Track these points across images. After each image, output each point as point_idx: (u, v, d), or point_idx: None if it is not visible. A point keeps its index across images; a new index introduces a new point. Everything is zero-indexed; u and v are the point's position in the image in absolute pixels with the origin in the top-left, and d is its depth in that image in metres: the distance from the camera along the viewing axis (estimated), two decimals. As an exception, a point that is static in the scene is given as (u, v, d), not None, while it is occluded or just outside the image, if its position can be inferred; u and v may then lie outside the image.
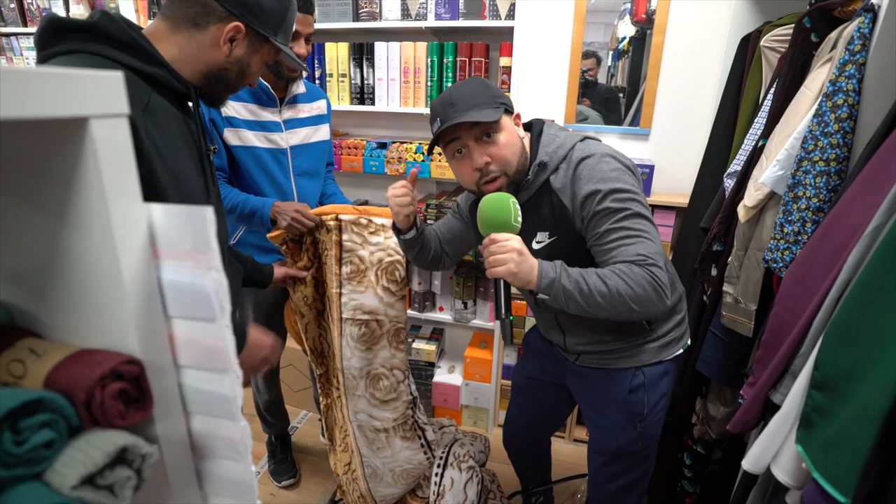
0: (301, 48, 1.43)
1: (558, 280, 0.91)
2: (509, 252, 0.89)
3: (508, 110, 1.03)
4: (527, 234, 1.04)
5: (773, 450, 0.77)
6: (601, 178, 0.97)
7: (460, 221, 1.30)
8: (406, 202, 1.11)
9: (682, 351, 1.20)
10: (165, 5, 0.90)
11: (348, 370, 1.41)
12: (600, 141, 1.08)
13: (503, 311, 0.92)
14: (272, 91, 1.47)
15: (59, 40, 0.79)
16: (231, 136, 1.45)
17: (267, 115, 1.50)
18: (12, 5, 2.33)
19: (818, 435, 0.65)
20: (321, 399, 1.60)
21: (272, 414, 1.91)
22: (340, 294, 1.37)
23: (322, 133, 1.65)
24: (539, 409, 1.43)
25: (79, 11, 2.21)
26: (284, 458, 1.97)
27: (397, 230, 1.20)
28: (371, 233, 1.36)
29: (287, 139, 1.54)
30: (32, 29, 2.34)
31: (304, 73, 1.58)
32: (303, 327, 1.47)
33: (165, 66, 0.85)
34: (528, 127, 1.13)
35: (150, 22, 0.91)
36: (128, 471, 0.39)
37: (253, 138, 1.48)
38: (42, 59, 0.80)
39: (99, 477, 0.37)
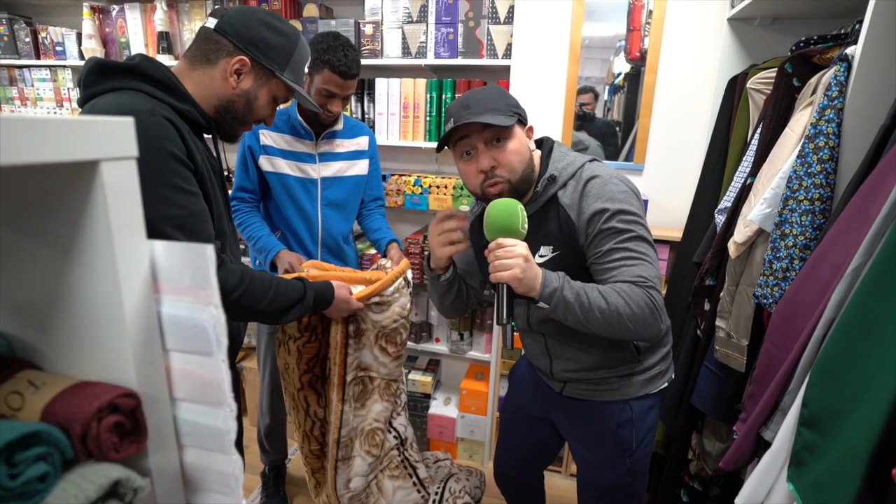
0: (336, 107, 1.53)
1: (560, 290, 0.93)
2: (516, 257, 0.90)
3: (522, 121, 1.05)
4: (530, 248, 1.02)
5: (766, 488, 0.77)
6: (609, 198, 0.99)
7: (470, 247, 1.25)
8: (458, 238, 1.07)
9: (666, 385, 1.20)
10: (188, 47, 1.00)
11: (346, 435, 1.34)
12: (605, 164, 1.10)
13: (504, 317, 0.92)
14: (307, 126, 1.59)
15: (106, 80, 0.88)
16: (265, 163, 1.58)
17: (302, 147, 1.61)
18: (27, 39, 2.40)
19: (808, 473, 0.65)
20: (307, 472, 1.50)
21: (271, 441, 1.89)
22: (346, 354, 1.31)
23: (358, 168, 1.71)
24: (528, 445, 1.42)
25: (90, 46, 2.28)
26: (276, 492, 1.93)
27: (432, 274, 1.16)
28: (377, 304, 1.30)
29: (319, 171, 1.63)
30: (45, 62, 2.42)
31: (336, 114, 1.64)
32: (284, 387, 1.41)
33: (192, 102, 0.95)
34: (539, 144, 1.14)
35: (175, 63, 1.01)
36: (119, 504, 0.39)
37: (285, 166, 1.59)
38: (88, 97, 0.89)
39: (90, 510, 0.38)
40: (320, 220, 1.65)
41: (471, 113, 0.97)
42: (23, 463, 0.36)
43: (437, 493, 1.53)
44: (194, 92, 0.96)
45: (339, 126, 1.64)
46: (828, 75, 0.97)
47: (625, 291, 0.93)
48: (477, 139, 1.00)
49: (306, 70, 1.08)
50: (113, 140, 0.41)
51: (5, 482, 0.35)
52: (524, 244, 0.93)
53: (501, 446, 1.48)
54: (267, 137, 1.57)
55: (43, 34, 2.39)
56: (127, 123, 0.42)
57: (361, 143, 1.72)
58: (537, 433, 1.39)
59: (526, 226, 0.95)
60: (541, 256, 1.08)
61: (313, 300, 1.12)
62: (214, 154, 1.06)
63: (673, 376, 1.22)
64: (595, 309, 0.92)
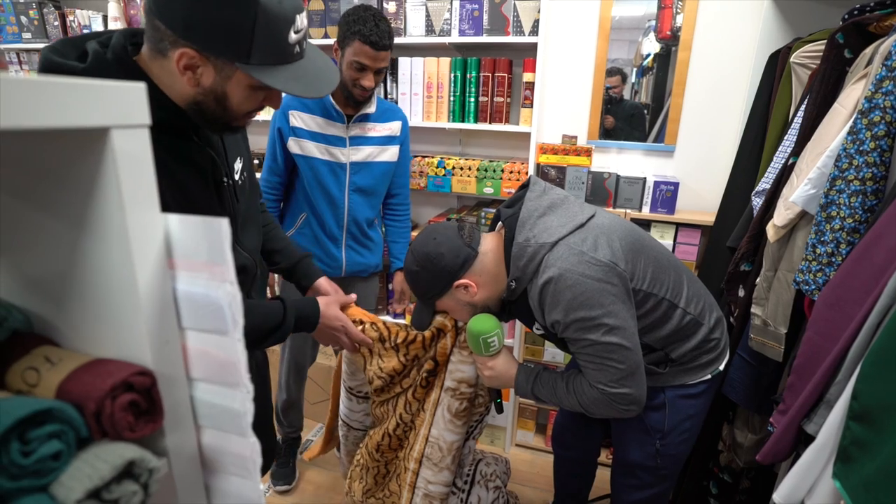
0: (368, 81, 1.45)
1: (530, 392, 1.13)
2: (483, 375, 1.15)
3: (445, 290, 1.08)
4: (526, 321, 1.15)
5: (808, 484, 0.73)
6: (562, 309, 0.98)
7: None
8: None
9: (710, 377, 1.15)
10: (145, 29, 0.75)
11: (436, 440, 1.28)
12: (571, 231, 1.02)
13: (493, 394, 1.24)
14: (339, 108, 1.53)
15: None
16: (294, 145, 1.54)
17: (332, 130, 1.55)
18: (56, 23, 2.43)
19: (858, 470, 0.61)
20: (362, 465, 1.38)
21: (287, 415, 1.90)
22: (448, 361, 1.24)
23: (389, 154, 1.65)
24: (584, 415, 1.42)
25: (116, 28, 2.30)
26: (286, 463, 1.95)
27: None
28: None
29: (349, 155, 1.58)
30: (72, 45, 2.45)
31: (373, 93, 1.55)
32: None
33: (168, 107, 0.77)
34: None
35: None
36: (134, 485, 0.38)
37: (314, 149, 1.55)
38: None
39: (105, 491, 0.37)
40: (347, 206, 1.62)
41: None
42: (36, 440, 0.35)
43: (468, 475, 1.52)
44: (165, 90, 0.76)
45: (372, 109, 1.58)
46: (887, 43, 0.89)
47: (587, 394, 1.05)
48: None
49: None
50: (124, 106, 0.39)
51: (18, 459, 0.34)
52: (492, 363, 1.13)
53: (561, 411, 1.55)
54: (297, 119, 1.52)
55: (71, 17, 2.42)
56: (139, 88, 0.40)
57: (394, 128, 1.65)
58: None
59: (493, 349, 1.11)
60: (538, 329, 1.14)
61: (294, 322, 1.01)
62: (208, 152, 0.86)
63: (721, 368, 1.16)
64: (563, 404, 1.10)
